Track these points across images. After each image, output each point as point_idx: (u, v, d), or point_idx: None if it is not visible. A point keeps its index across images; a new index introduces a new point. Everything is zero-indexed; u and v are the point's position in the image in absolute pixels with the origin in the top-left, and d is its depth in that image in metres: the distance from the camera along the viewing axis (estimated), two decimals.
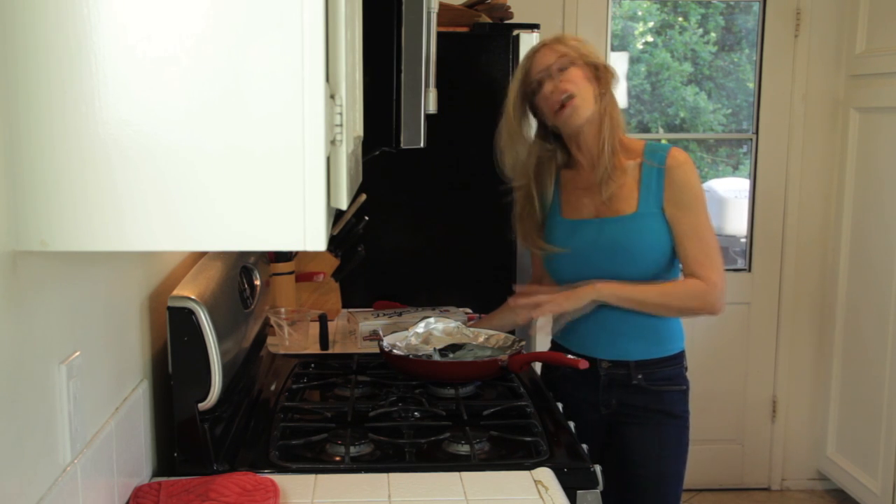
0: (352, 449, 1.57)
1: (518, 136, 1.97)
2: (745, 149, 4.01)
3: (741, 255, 3.98)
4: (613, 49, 3.78)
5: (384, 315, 2.42)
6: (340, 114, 0.97)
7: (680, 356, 2.00)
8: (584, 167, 1.97)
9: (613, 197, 1.92)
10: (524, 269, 2.67)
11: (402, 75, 1.65)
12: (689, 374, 2.03)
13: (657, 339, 1.96)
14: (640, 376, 1.95)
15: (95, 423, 1.22)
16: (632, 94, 3.97)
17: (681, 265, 1.94)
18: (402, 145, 1.68)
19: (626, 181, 1.91)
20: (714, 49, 4.01)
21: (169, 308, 1.46)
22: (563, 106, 1.87)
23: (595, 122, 1.91)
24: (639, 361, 1.95)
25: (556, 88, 1.87)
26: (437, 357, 1.98)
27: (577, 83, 1.87)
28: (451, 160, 2.65)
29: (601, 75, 1.91)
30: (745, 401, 3.86)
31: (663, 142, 4.07)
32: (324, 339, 2.29)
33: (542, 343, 2.59)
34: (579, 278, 1.92)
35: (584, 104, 1.88)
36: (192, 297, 1.47)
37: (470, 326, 2.15)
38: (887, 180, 3.30)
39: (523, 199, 2.02)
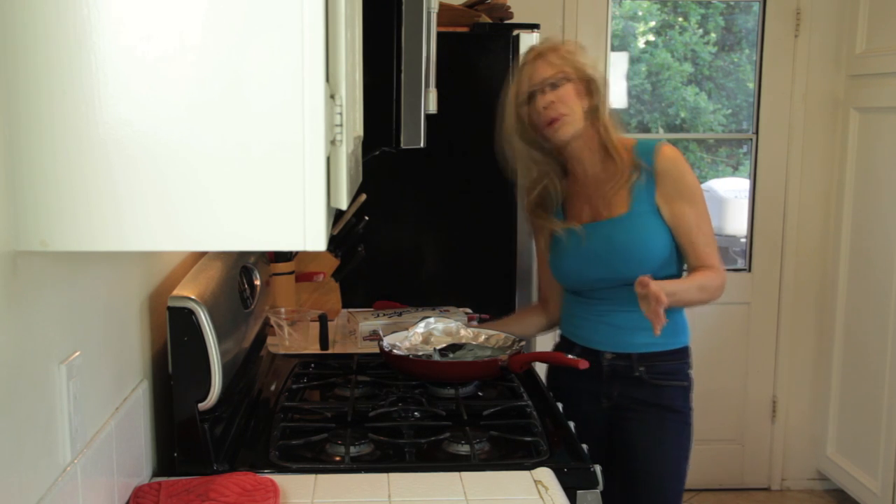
0: (352, 449, 1.57)
1: (522, 147, 1.99)
2: (745, 149, 4.01)
3: (741, 255, 3.97)
4: (613, 49, 3.78)
5: (384, 315, 2.42)
6: (340, 114, 0.97)
7: (683, 351, 2.02)
8: (579, 176, 2.01)
9: (606, 199, 1.95)
10: (524, 269, 2.67)
11: (402, 75, 1.65)
12: (691, 373, 2.03)
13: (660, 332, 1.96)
14: (641, 368, 1.97)
15: (95, 423, 1.22)
16: (632, 94, 3.97)
17: (687, 257, 1.96)
18: (402, 145, 1.68)
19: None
20: (714, 49, 4.01)
21: (169, 308, 1.46)
22: (551, 122, 1.91)
23: (585, 135, 1.94)
24: (641, 354, 1.97)
25: (548, 106, 1.90)
26: (437, 357, 1.99)
27: (568, 102, 1.90)
28: (451, 160, 2.65)
29: (594, 89, 1.93)
30: (745, 401, 3.86)
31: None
32: (324, 339, 2.29)
33: (543, 343, 2.59)
34: (585, 281, 2.00)
35: (573, 122, 1.92)
36: (192, 297, 1.47)
37: (480, 326, 2.16)
38: (887, 180, 3.29)
39: (542, 192, 2.04)
